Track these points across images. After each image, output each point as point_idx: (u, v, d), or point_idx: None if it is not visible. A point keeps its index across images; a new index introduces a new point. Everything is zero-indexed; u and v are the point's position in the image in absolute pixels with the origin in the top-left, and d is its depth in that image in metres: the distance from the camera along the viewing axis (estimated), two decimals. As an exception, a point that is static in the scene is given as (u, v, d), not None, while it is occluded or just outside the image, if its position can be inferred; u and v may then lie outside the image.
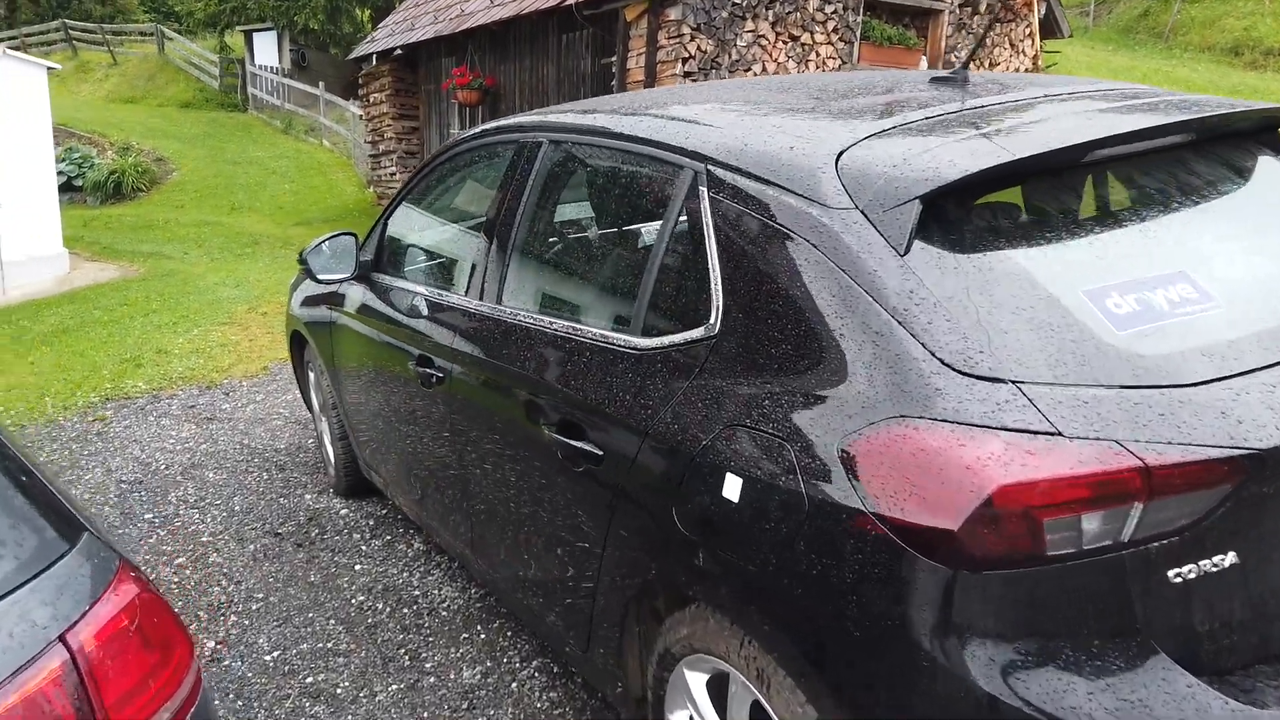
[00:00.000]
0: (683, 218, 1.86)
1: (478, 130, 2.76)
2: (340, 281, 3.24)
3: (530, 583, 2.33)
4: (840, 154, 1.65)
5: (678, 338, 1.78)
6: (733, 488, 1.55)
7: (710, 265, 1.74)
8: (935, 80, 2.08)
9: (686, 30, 7.40)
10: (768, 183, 1.69)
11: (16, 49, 16.61)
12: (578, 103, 2.61)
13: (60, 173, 16.39)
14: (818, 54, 8.16)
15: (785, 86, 2.23)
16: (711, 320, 1.71)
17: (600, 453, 1.88)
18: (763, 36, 7.81)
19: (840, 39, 8.27)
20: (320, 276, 3.12)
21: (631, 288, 2.00)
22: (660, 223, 1.93)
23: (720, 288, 1.71)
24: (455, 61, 10.92)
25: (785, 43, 7.96)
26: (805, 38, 8.05)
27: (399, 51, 11.65)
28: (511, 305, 2.33)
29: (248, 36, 22.82)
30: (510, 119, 2.65)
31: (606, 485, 1.88)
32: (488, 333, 2.36)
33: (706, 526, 1.61)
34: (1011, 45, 9.79)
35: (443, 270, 3.03)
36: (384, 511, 3.72)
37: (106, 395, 5.50)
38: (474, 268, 2.51)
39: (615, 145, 2.12)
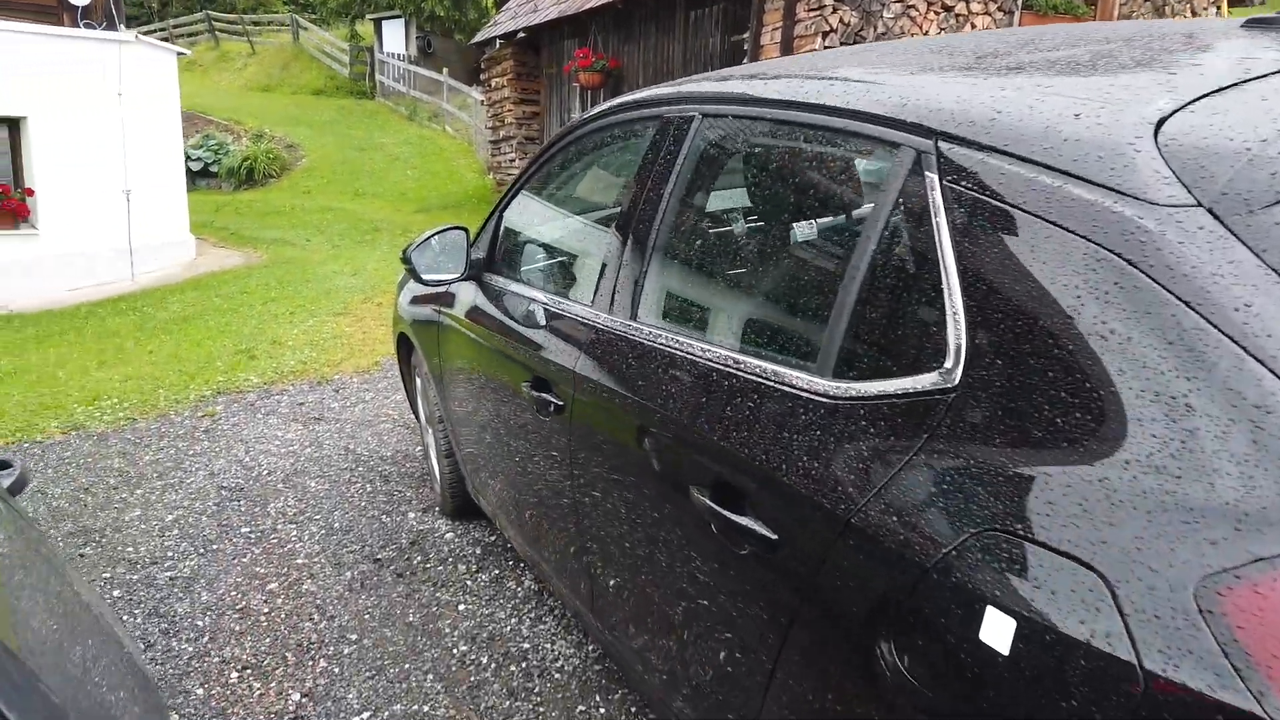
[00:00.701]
0: (897, 215, 1.33)
1: (611, 104, 2.28)
2: (448, 283, 2.84)
3: (665, 674, 1.85)
4: (1160, 123, 1.09)
5: (893, 385, 1.25)
6: (998, 631, 1.02)
7: (944, 285, 1.21)
8: (1253, 24, 1.47)
9: (828, 1, 6.76)
10: (1040, 166, 1.14)
11: (165, 40, 17.26)
12: (739, 67, 2.10)
13: (198, 159, 16.95)
14: (973, 25, 7.37)
15: (1026, 38, 1.66)
16: (948, 364, 1.18)
17: (774, 537, 1.37)
18: (913, 7, 7.08)
19: (1000, 8, 7.45)
20: (426, 277, 2.73)
21: (818, 310, 1.48)
22: (862, 222, 1.41)
23: (962, 319, 1.18)
24: (578, 43, 10.55)
25: (937, 13, 7.21)
26: (960, 7, 7.28)
27: (521, 34, 11.37)
28: (650, 322, 1.85)
29: (377, 25, 23.19)
30: (651, 90, 2.16)
31: (782, 583, 1.37)
32: (619, 355, 1.88)
33: (947, 680, 1.08)
34: (1193, 13, 8.71)
35: (565, 273, 2.59)
36: (492, 538, 3.33)
37: (219, 389, 5.33)
38: (604, 272, 2.04)
39: (795, 118, 1.60)
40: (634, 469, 1.84)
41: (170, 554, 3.28)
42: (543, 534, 2.41)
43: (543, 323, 2.26)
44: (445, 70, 19.43)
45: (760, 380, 1.48)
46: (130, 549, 3.33)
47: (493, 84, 13.06)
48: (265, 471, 4.05)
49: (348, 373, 5.54)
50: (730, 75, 1.92)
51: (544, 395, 2.12)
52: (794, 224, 1.74)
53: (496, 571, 3.09)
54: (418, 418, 3.82)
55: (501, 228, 2.80)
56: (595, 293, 2.05)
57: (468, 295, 2.81)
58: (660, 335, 1.77)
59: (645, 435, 1.77)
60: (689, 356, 1.66)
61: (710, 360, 1.61)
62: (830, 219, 1.67)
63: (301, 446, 4.34)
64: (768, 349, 1.59)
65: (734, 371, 1.54)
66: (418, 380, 3.60)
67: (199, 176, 16.88)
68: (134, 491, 3.87)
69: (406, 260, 2.73)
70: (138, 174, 8.41)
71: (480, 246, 2.81)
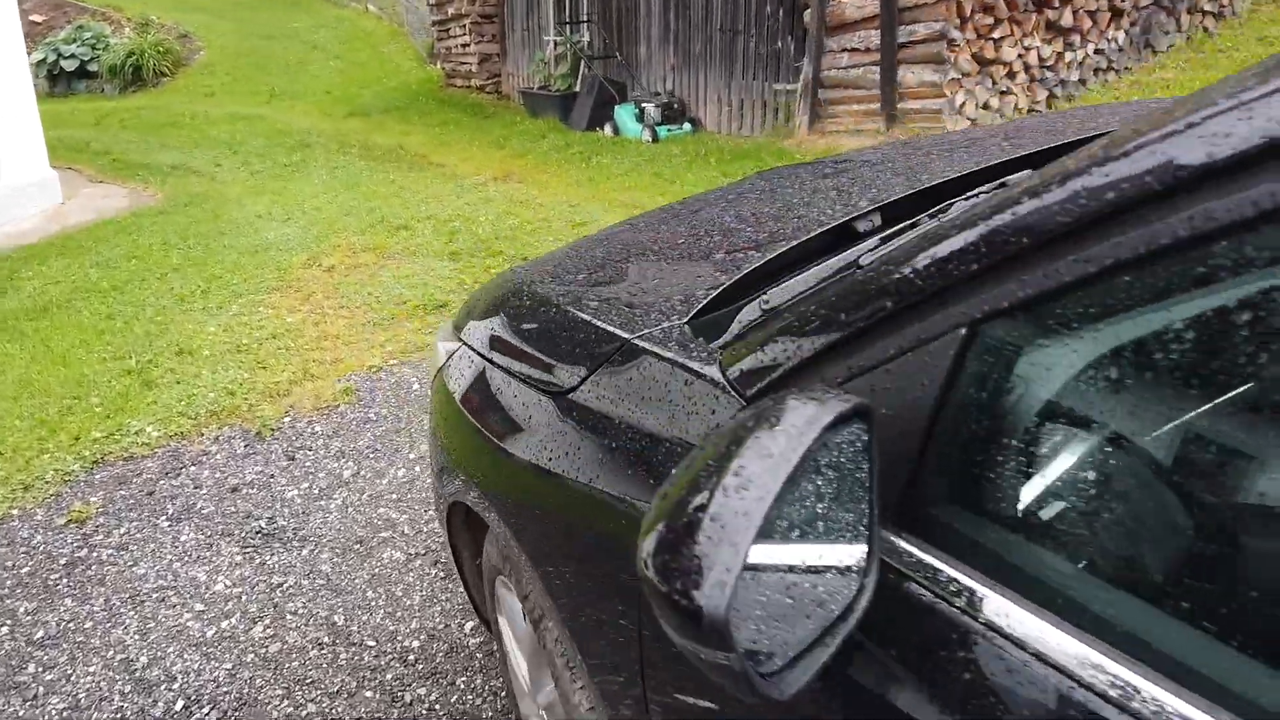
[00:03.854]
0: None
1: None
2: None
3: None
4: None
5: None
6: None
7: None
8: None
9: None
10: None
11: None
12: None
13: (72, 56, 13.96)
14: None
15: None
16: None
17: None
18: None
19: None
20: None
21: None
22: None
23: None
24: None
25: None
26: None
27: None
28: None
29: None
30: None
31: None
32: None
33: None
34: (1179, 28, 6.69)
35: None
36: None
37: (95, 455, 3.28)
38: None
39: None
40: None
41: None
42: None
43: None
44: (363, -63, 16.42)
45: None
46: None
47: (434, -52, 10.47)
48: (177, 702, 2.10)
49: (303, 411, 3.51)
50: None
51: None
52: None
53: None
54: (500, 645, 1.83)
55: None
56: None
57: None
58: None
59: None
60: None
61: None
62: None
63: (244, 623, 2.37)
64: None
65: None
66: (501, 594, 1.63)
67: (75, 78, 13.95)
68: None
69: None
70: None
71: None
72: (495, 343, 1.44)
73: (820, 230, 1.37)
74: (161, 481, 3.09)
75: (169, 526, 2.83)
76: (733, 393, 0.95)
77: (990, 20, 5.95)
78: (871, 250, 1.31)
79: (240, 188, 7.27)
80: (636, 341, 1.13)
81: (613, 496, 1.06)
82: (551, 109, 9.65)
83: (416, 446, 3.19)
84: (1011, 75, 6.22)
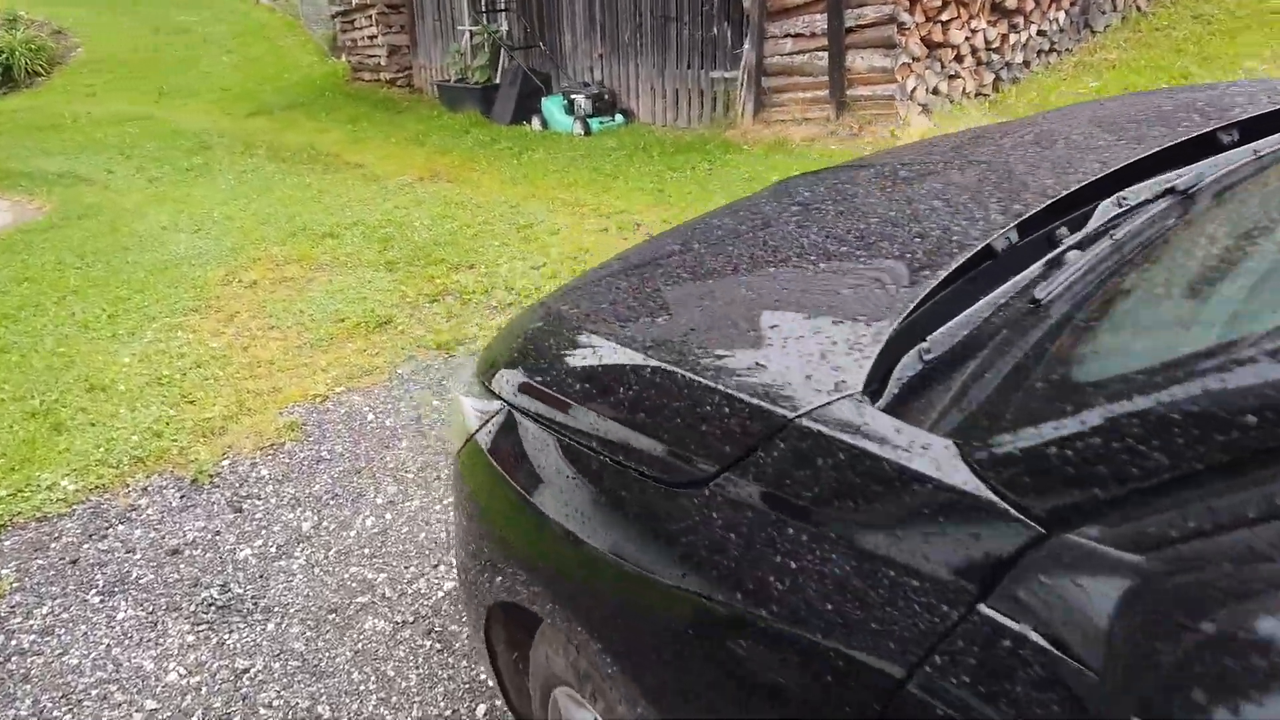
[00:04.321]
0: None
1: None
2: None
3: None
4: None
5: None
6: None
7: None
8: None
9: None
10: None
11: None
12: None
13: (-70, 56, 12.80)
14: None
15: None
16: None
17: None
18: None
19: None
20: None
21: None
22: None
23: None
24: None
25: None
26: None
27: None
28: None
29: None
30: None
31: None
32: None
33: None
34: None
35: None
36: None
37: (3, 516, 2.83)
38: None
39: None
40: None
41: None
42: None
43: None
44: (252, -77, 15.54)
45: None
46: None
47: (336, -66, 9.91)
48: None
49: (242, 450, 3.12)
50: None
51: None
52: None
53: None
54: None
55: None
56: None
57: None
58: None
59: None
60: None
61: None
62: None
63: (209, 720, 2.00)
64: None
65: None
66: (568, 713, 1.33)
67: (-64, 80, 12.78)
68: None
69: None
70: None
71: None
72: (561, 408, 1.14)
73: (962, 255, 1.11)
74: (86, 546, 2.67)
75: (101, 602, 2.42)
76: (1015, 511, 0.68)
77: (938, 2, 5.83)
78: (1044, 278, 1.07)
79: (138, 196, 6.66)
80: (808, 424, 0.85)
81: (787, 634, 0.79)
82: (471, 102, 9.22)
83: (382, 489, 2.84)
84: (959, 59, 6.13)
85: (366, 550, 2.54)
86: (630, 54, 7.85)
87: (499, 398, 1.27)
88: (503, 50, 9.21)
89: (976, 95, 6.24)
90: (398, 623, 2.25)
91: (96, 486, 2.96)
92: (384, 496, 2.80)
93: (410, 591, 2.36)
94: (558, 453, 1.13)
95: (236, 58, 13.38)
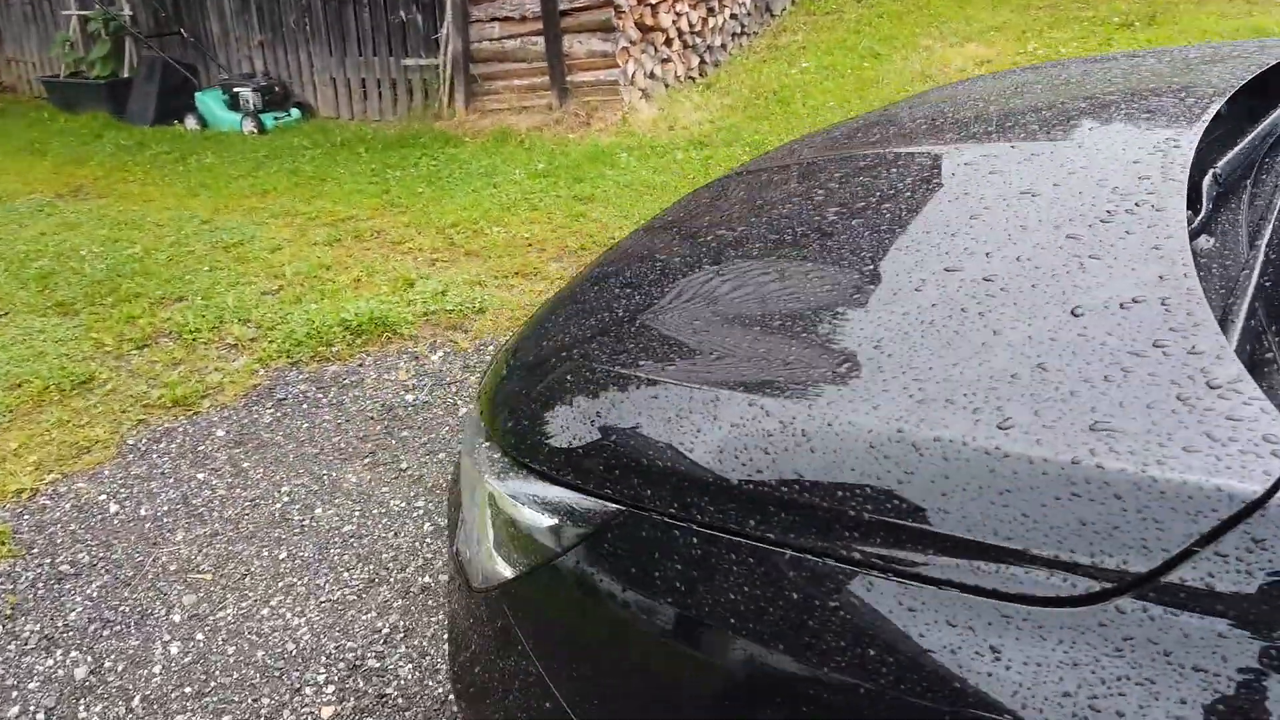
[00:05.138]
0: None
1: None
2: None
3: None
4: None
5: None
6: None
7: None
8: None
9: None
10: None
11: None
12: None
13: None
14: None
15: None
16: None
17: None
18: None
19: None
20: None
21: None
22: None
23: None
24: None
25: None
26: None
27: None
28: None
29: None
30: None
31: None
32: None
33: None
34: None
35: None
36: None
37: None
38: None
39: None
40: None
41: None
42: None
43: None
44: None
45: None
46: None
47: None
48: None
49: None
50: None
51: None
52: None
53: None
54: None
55: None
56: None
57: None
58: None
59: None
60: None
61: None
62: None
63: None
64: None
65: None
66: None
67: None
68: None
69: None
70: None
71: None
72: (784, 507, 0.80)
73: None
74: None
75: None
76: None
77: (647, -15, 5.83)
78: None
79: None
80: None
81: None
82: (95, 101, 7.76)
83: (175, 601, 2.20)
84: (669, 42, 6.17)
85: (188, 689, 1.94)
86: (299, 41, 7.02)
87: (611, 499, 0.90)
88: (128, 39, 7.84)
89: (686, 78, 6.36)
90: (277, 780, 1.73)
91: None
92: (181, 610, 2.17)
93: (275, 732, 1.82)
94: (763, 576, 0.79)
95: None
